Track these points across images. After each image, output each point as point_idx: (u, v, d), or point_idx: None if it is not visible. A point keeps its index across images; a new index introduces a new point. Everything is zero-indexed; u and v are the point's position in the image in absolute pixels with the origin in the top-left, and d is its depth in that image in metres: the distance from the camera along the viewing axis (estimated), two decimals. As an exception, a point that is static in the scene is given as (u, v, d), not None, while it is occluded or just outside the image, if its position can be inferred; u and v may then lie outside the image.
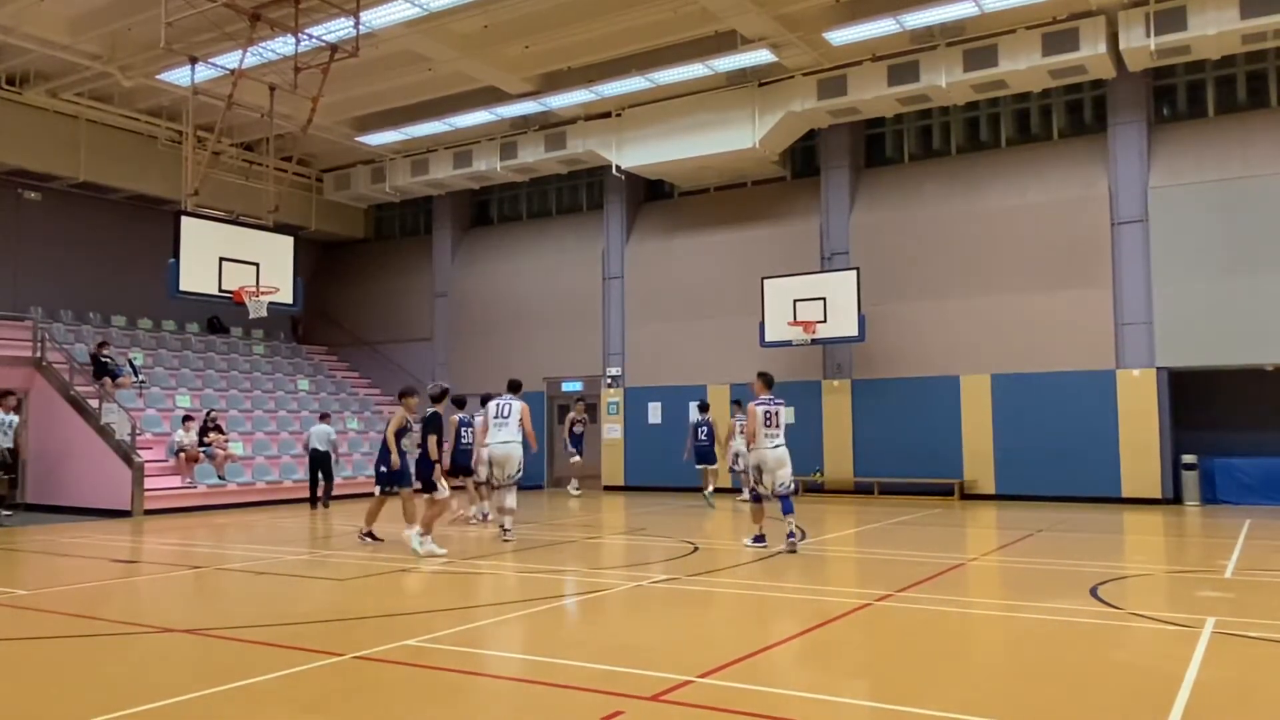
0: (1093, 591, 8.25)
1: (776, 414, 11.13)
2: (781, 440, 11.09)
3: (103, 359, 19.14)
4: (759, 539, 11.18)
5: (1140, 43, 15.78)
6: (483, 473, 13.79)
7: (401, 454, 12.11)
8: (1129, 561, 11.05)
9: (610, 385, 22.58)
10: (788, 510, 10.96)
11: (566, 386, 23.29)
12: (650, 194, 23.62)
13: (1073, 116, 19.08)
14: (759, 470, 11.10)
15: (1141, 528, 13.99)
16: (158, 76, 18.22)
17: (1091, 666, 5.90)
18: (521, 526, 14.26)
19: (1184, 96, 18.09)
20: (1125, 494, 17.00)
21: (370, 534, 12.23)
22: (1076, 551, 11.16)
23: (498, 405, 12.58)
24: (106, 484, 17.07)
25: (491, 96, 20.03)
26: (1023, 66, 16.61)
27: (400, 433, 12.06)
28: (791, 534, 10.83)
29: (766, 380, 11.39)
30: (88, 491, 17.23)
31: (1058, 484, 17.50)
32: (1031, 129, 19.39)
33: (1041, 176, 18.60)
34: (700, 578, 9.30)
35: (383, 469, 12.11)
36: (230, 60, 15.91)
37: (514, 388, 13.02)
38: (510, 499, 12.32)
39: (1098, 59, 16.27)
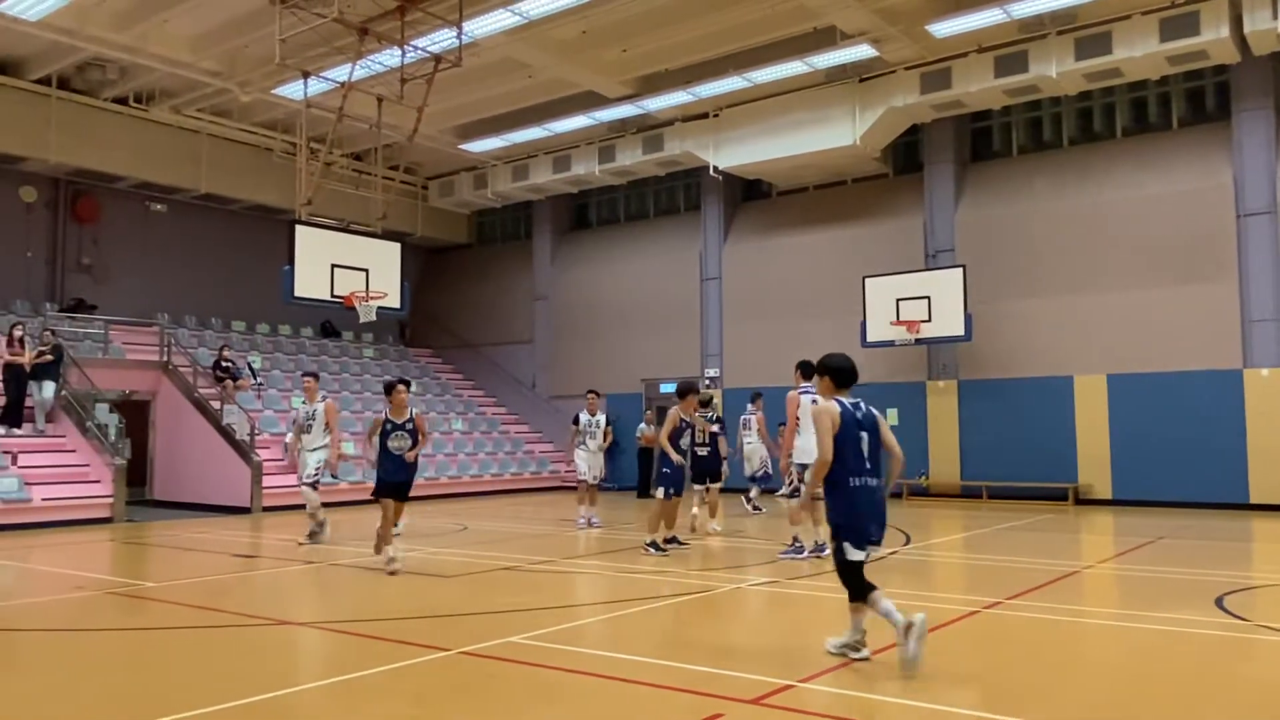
0: (1218, 602, 7.85)
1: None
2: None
3: (224, 362, 20.04)
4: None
5: (1266, 25, 14.98)
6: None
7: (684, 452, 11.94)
8: (1257, 571, 10.46)
9: (709, 386, 22.51)
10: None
11: (665, 388, 23.31)
12: (748, 194, 23.49)
13: (1193, 104, 18.19)
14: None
15: (1271, 536, 13.24)
16: (273, 91, 18.99)
17: (1215, 680, 5.62)
18: (619, 527, 14.34)
19: (1317, 79, 17.08)
20: (1253, 500, 16.12)
21: (674, 538, 11.56)
22: (1200, 560, 10.62)
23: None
24: (227, 482, 17.84)
25: (590, 101, 20.23)
26: (1139, 54, 15.92)
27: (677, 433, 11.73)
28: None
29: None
30: (210, 489, 18.04)
31: (1179, 489, 16.71)
32: (1149, 118, 18.57)
33: (1161, 168, 17.79)
34: (802, 581, 9.20)
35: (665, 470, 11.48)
36: (340, 74, 16.47)
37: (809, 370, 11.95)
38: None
39: (1220, 43, 15.48)
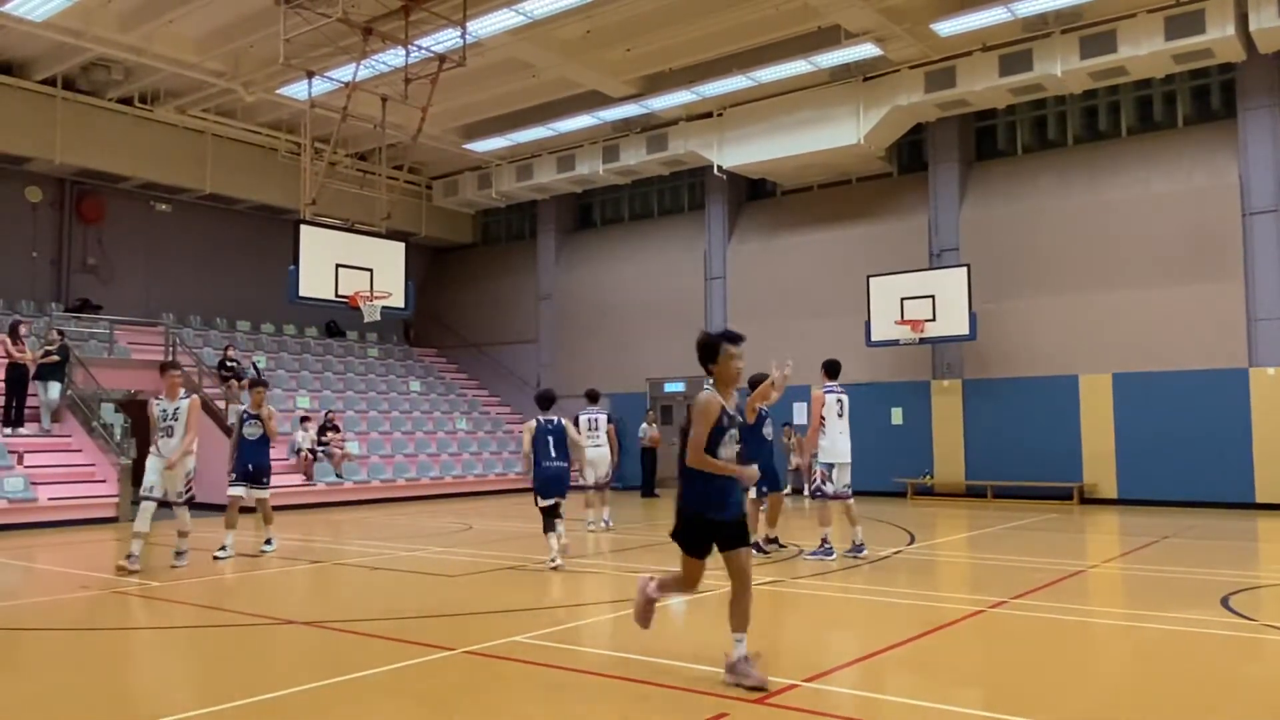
0: (1224, 601, 7.83)
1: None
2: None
3: (229, 362, 20.07)
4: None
5: (1272, 23, 14.94)
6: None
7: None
8: (1264, 571, 10.43)
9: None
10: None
11: (669, 387, 23.33)
12: (752, 193, 23.47)
13: (1199, 103, 18.14)
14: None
15: (1277, 535, 13.20)
16: (277, 91, 19.01)
17: (1221, 680, 5.61)
18: (623, 526, 14.37)
19: (1323, 77, 17.02)
20: (1259, 499, 16.08)
21: (775, 539, 11.25)
22: (1206, 559, 10.60)
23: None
24: (232, 481, 17.80)
25: (594, 100, 20.24)
26: (1144, 52, 15.89)
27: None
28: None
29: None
30: (215, 489, 17.94)
31: (1185, 488, 16.68)
32: (1154, 117, 18.52)
33: (1166, 166, 17.75)
34: (805, 580, 9.19)
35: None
36: (344, 74, 16.49)
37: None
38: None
39: (1225, 42, 15.45)
